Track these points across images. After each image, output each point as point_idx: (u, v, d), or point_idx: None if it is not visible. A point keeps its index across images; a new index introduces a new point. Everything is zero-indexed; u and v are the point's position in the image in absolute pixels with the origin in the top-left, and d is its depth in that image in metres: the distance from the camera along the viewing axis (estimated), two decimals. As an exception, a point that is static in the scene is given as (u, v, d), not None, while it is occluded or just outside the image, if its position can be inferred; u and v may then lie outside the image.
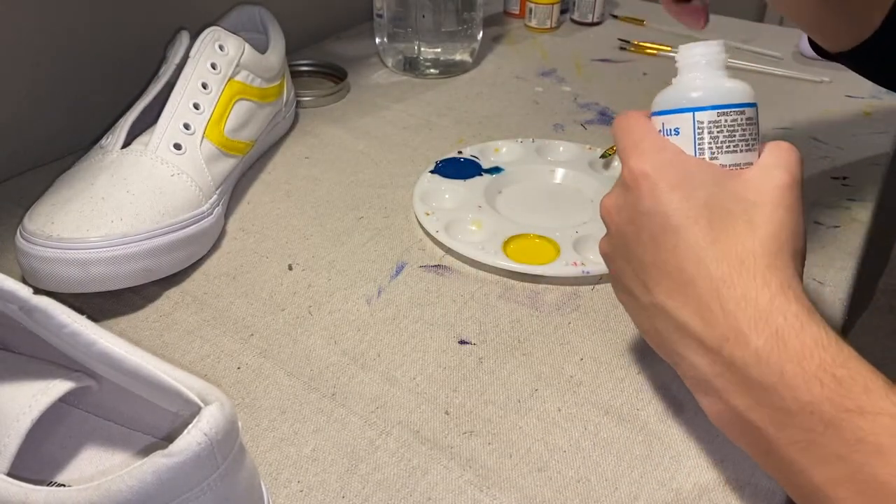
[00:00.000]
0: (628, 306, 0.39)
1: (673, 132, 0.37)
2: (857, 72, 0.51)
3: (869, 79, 0.52)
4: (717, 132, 0.36)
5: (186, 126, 0.52)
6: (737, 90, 0.37)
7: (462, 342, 0.46)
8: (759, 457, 0.33)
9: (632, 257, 0.36)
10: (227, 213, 0.56)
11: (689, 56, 0.38)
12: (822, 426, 0.29)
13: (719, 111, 0.36)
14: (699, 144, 0.36)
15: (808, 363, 0.30)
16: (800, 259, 0.34)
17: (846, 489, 0.29)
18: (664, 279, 0.34)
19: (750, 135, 0.37)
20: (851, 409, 0.29)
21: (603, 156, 0.63)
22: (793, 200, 0.34)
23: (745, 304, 0.31)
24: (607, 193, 0.39)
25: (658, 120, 0.38)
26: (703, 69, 0.37)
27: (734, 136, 0.36)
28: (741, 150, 0.36)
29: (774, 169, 0.35)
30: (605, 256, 0.40)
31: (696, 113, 0.36)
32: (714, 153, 0.36)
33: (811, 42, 0.52)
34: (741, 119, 0.36)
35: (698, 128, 0.36)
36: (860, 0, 0.46)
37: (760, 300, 0.31)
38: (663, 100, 0.38)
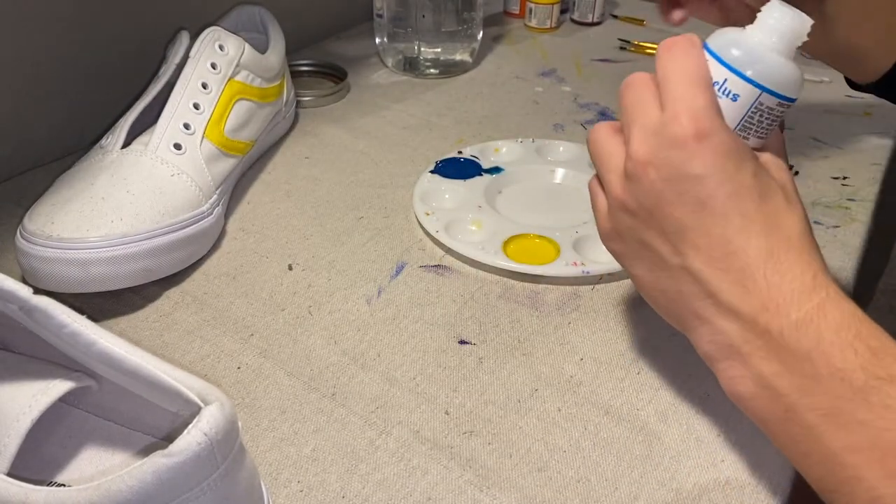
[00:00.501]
0: (639, 261, 0.37)
1: (731, 96, 0.34)
2: (888, 100, 0.51)
3: None
4: (766, 117, 0.35)
5: (186, 126, 0.52)
6: (799, 82, 0.35)
7: (462, 342, 0.46)
8: (773, 424, 0.33)
9: (665, 216, 0.34)
10: (227, 213, 0.56)
11: (780, 18, 0.34)
12: (852, 392, 0.30)
13: (780, 101, 0.35)
14: (747, 121, 0.35)
15: (846, 333, 0.31)
16: None
17: (864, 455, 0.30)
18: (704, 245, 0.34)
19: (777, 124, 0.36)
20: (882, 377, 0.30)
21: (603, 156, 0.63)
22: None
23: (791, 277, 0.32)
24: (637, 136, 0.35)
25: (720, 70, 0.35)
26: (785, 41, 0.34)
27: (772, 124, 0.36)
28: (765, 137, 0.36)
29: (780, 160, 0.36)
30: (622, 206, 0.36)
31: (763, 94, 0.34)
32: (748, 133, 0.35)
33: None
34: (784, 111, 0.35)
35: (756, 108, 0.35)
36: (868, 36, 0.46)
37: (806, 276, 0.32)
38: (734, 49, 0.34)
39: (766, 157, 0.36)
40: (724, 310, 0.33)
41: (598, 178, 0.39)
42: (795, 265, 0.32)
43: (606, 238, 0.39)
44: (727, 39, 0.35)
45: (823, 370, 0.31)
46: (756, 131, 0.36)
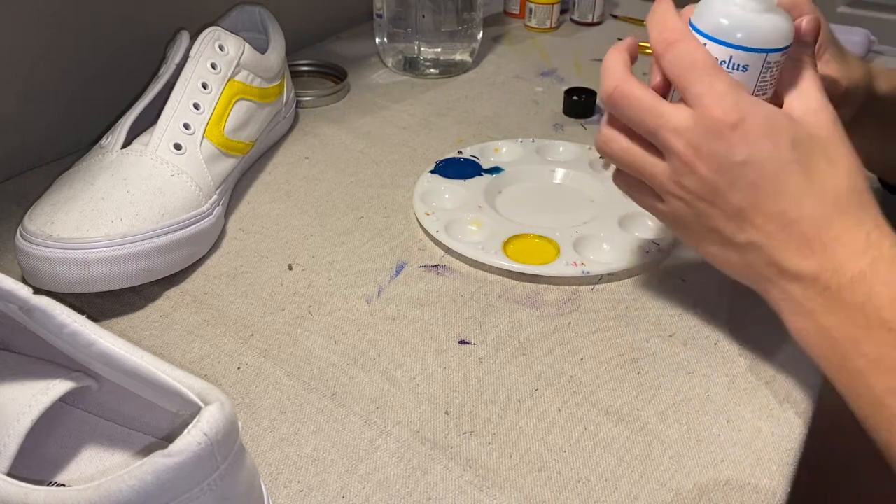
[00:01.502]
0: (707, 241, 0.40)
1: (740, 68, 0.36)
2: None
3: None
4: (773, 72, 0.36)
5: (186, 126, 0.52)
6: (790, 27, 0.36)
7: (462, 342, 0.46)
8: (832, 370, 0.37)
9: (723, 202, 0.37)
10: (227, 213, 0.56)
11: None
12: None
13: (782, 52, 0.36)
14: (760, 84, 0.36)
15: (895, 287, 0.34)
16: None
17: None
18: (762, 223, 0.36)
19: (781, 67, 0.37)
20: None
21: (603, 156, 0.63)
22: (845, 133, 0.37)
23: (844, 239, 0.35)
24: (674, 141, 0.37)
25: (722, 50, 0.35)
26: None
27: (776, 76, 0.37)
28: (773, 89, 0.37)
29: (815, 102, 0.37)
30: (679, 197, 0.39)
31: (768, 54, 0.35)
32: (764, 90, 0.36)
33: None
34: (784, 59, 0.36)
35: (765, 68, 0.36)
36: None
37: (859, 237, 0.35)
38: (723, 21, 0.35)
39: (799, 107, 0.36)
40: (788, 275, 0.37)
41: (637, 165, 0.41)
42: (848, 228, 0.35)
43: (672, 229, 0.42)
44: (712, 14, 0.36)
45: (874, 321, 0.34)
46: (770, 85, 0.37)
